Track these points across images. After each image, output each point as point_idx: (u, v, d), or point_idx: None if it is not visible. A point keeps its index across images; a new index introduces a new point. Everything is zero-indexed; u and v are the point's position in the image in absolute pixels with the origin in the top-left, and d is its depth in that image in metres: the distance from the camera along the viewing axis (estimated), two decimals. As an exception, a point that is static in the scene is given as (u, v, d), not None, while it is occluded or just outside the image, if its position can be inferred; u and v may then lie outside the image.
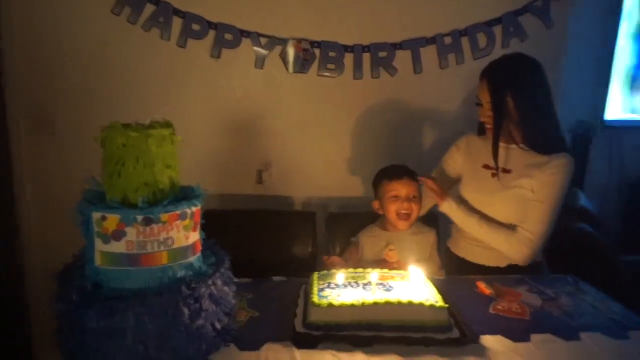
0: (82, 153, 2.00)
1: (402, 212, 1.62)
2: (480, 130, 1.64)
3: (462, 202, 1.64)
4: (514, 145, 1.55)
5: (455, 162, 1.73)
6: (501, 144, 1.54)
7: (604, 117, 2.72)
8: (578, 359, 1.06)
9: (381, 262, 1.58)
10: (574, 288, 1.45)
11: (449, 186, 1.74)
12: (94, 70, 2.03)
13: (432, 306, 1.15)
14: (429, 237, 1.70)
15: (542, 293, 1.40)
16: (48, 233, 2.09)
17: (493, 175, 1.56)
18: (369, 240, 1.69)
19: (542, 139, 1.50)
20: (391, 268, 1.45)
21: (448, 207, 1.60)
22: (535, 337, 1.16)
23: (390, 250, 1.60)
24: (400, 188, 1.62)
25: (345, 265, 1.47)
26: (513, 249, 1.50)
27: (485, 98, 1.51)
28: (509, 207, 1.53)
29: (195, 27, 2.01)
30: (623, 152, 2.87)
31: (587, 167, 2.68)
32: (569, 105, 2.23)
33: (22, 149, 2.04)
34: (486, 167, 1.59)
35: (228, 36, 2.04)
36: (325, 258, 1.58)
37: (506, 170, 1.55)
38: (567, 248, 1.74)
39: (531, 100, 1.48)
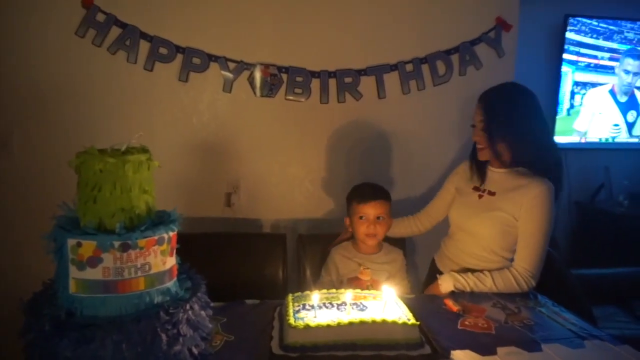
0: (44, 177, 1.96)
1: (369, 233, 1.69)
2: (473, 151, 1.70)
3: (451, 222, 1.75)
4: (501, 170, 1.65)
5: (452, 185, 1.82)
6: (490, 168, 1.67)
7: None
8: (541, 370, 1.12)
9: (354, 280, 1.64)
10: (534, 302, 1.54)
11: (446, 211, 1.82)
12: (57, 92, 1.98)
13: (404, 324, 1.19)
14: (398, 258, 1.79)
15: (505, 308, 1.48)
16: (5, 263, 2.00)
17: (480, 197, 1.67)
18: (343, 259, 1.74)
19: (529, 160, 1.59)
20: (364, 286, 1.49)
21: (447, 284, 1.59)
22: (501, 350, 1.21)
23: (364, 269, 1.65)
24: (368, 210, 1.70)
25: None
26: (519, 287, 1.57)
27: (478, 119, 1.62)
28: (489, 227, 1.61)
29: (163, 50, 2.02)
30: (570, 173, 3.08)
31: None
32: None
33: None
34: (476, 189, 1.69)
35: (196, 60, 2.05)
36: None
37: (491, 193, 1.64)
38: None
39: (517, 123, 1.56)
